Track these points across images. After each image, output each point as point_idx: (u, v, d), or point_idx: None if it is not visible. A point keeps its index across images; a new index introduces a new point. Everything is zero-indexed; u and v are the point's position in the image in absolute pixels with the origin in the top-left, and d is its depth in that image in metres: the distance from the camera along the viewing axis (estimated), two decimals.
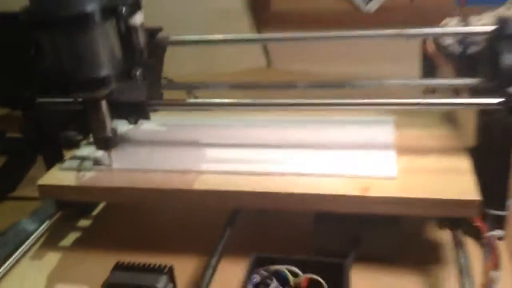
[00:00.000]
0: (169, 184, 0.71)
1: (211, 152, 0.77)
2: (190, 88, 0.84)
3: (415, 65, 0.85)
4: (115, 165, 0.75)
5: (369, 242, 0.70)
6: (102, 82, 0.65)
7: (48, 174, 0.76)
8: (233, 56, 1.38)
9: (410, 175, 0.68)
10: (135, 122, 0.73)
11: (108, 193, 0.73)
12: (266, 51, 1.52)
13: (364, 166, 0.70)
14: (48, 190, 0.74)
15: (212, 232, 0.72)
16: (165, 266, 0.63)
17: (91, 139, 0.76)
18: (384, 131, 0.79)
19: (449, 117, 0.82)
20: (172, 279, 0.63)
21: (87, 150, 0.80)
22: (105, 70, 0.65)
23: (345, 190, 0.67)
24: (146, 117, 0.72)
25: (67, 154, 0.82)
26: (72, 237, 0.81)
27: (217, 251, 0.69)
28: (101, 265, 0.66)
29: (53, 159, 0.81)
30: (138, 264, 0.63)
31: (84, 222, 0.85)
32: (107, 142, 0.72)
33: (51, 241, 0.80)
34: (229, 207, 0.74)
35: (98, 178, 0.74)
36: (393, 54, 1.01)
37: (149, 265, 0.63)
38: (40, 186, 0.74)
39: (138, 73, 0.68)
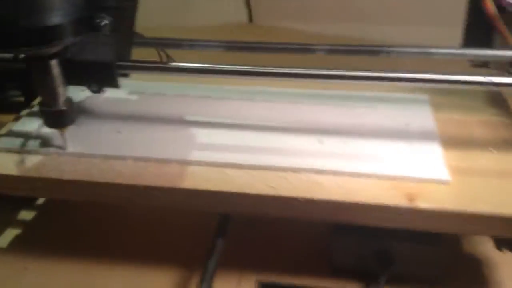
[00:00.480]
0: (143, 179, 0.52)
1: (199, 135, 0.58)
2: (165, 45, 0.63)
3: (455, 30, 0.67)
4: (71, 148, 0.55)
5: (402, 262, 0.54)
6: (53, 33, 0.44)
7: None
8: (209, 7, 1.18)
9: (466, 179, 0.52)
10: (99, 91, 0.53)
11: (58, 187, 0.53)
12: (248, 3, 1.31)
13: (406, 164, 0.53)
14: None
15: (197, 241, 0.56)
16: None
17: (37, 107, 0.57)
18: (422, 114, 0.61)
19: (496, 99, 0.65)
20: None
21: (31, 124, 0.60)
22: (57, 17, 0.44)
23: (385, 198, 0.49)
24: (114, 84, 0.53)
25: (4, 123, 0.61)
26: (8, 235, 0.62)
27: (207, 272, 0.51)
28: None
29: None
30: None
31: (25, 215, 0.65)
32: (59, 118, 0.52)
33: None
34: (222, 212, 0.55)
35: (45, 166, 0.54)
36: (418, 14, 0.83)
37: None
38: None
39: (104, 22, 0.47)
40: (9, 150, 0.56)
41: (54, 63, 0.48)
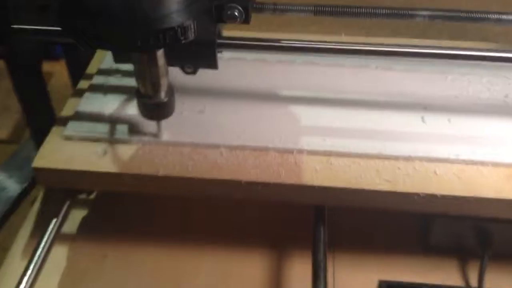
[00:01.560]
0: (243, 174, 0.47)
1: (292, 113, 0.52)
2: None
3: None
4: (165, 136, 0.49)
5: (500, 241, 0.53)
6: (184, 29, 0.37)
7: (47, 148, 0.49)
8: None
9: None
10: (194, 72, 0.47)
11: (152, 184, 0.47)
12: None
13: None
14: (52, 177, 0.48)
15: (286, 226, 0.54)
16: None
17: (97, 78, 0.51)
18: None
19: None
20: None
21: (99, 102, 0.52)
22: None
23: (509, 191, 0.47)
24: (213, 65, 0.46)
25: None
26: (75, 217, 0.56)
27: (321, 268, 0.47)
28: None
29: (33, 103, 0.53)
30: None
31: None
32: (160, 110, 0.45)
33: (41, 221, 0.53)
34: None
35: (135, 160, 0.47)
36: None
37: None
38: (38, 170, 0.47)
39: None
40: (85, 139, 0.49)
41: (160, 53, 0.41)
